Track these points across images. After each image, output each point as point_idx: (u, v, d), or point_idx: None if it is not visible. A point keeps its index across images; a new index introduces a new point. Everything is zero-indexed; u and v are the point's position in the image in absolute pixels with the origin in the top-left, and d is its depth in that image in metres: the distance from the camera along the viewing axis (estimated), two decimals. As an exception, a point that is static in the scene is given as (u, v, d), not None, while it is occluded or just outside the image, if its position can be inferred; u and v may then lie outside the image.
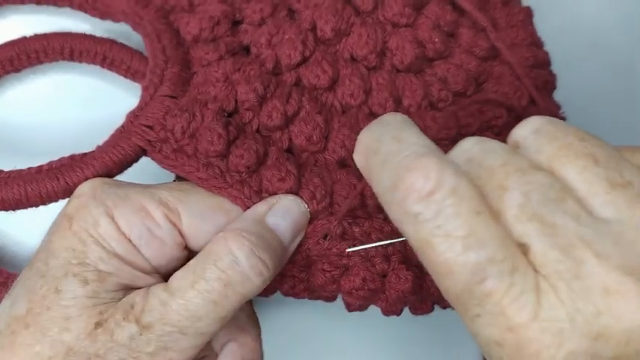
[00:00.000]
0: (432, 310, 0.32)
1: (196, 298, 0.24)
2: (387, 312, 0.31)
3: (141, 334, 0.23)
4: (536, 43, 0.36)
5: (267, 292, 0.31)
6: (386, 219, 0.30)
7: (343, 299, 0.31)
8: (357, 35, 0.32)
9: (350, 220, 0.30)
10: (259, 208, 0.28)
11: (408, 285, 0.29)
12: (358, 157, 0.23)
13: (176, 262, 0.27)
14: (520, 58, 0.35)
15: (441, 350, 0.39)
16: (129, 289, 0.25)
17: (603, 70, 0.46)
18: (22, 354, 0.23)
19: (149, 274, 0.26)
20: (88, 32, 0.34)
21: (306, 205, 0.29)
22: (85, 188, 0.26)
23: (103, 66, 0.34)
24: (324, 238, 0.29)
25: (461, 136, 0.31)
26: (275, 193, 0.28)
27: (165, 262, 0.26)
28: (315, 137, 0.30)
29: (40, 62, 0.34)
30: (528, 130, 0.22)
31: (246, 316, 0.29)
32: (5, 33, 0.35)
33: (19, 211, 0.28)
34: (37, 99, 0.37)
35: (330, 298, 0.31)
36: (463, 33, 0.34)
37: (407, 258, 0.30)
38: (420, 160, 0.19)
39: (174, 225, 0.26)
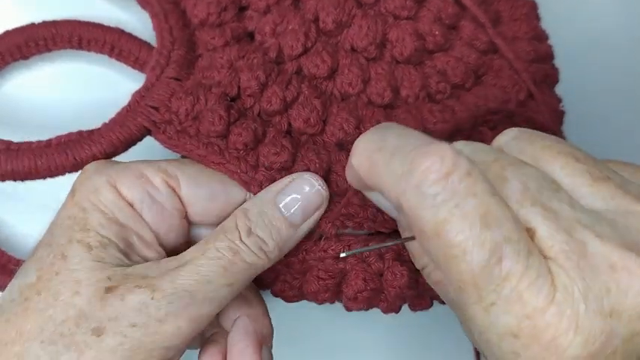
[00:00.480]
0: (430, 305, 0.34)
1: (207, 262, 0.26)
2: (386, 311, 0.33)
3: (152, 299, 0.25)
4: (539, 37, 0.37)
5: (261, 286, 0.32)
6: (379, 210, 0.30)
7: (345, 306, 0.32)
8: (357, 27, 0.33)
9: (343, 215, 0.30)
10: (274, 187, 0.29)
11: (404, 280, 0.30)
12: (358, 159, 0.24)
13: (176, 233, 0.28)
14: (521, 52, 0.35)
15: (440, 347, 0.39)
16: (130, 257, 0.27)
17: (605, 65, 0.46)
18: (35, 319, 0.24)
19: (150, 246, 0.27)
20: (97, 21, 0.35)
21: (321, 184, 0.29)
22: (89, 167, 0.28)
23: (111, 55, 0.35)
24: (320, 238, 0.31)
25: (457, 130, 0.32)
26: (271, 167, 0.29)
27: (166, 228, 0.28)
28: (312, 120, 0.31)
29: (49, 50, 0.34)
30: (509, 137, 0.24)
31: (253, 295, 0.31)
32: (12, 18, 0.35)
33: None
34: (45, 86, 0.38)
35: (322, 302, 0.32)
36: (465, 26, 0.35)
37: (399, 255, 0.31)
38: (434, 146, 0.20)
39: (173, 190, 0.28)
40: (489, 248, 0.19)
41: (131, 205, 0.27)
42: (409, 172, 0.20)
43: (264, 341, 0.29)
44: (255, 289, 0.31)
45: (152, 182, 0.28)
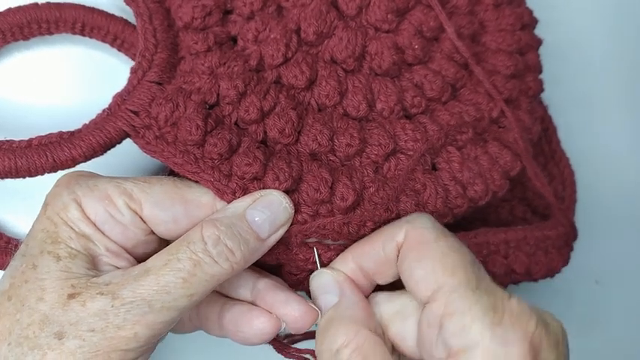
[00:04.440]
0: None
1: (167, 274, 0.27)
2: None
3: (112, 306, 0.26)
4: (526, 47, 0.37)
5: None
6: (346, 223, 0.32)
7: None
8: (338, 39, 0.34)
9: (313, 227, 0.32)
10: (243, 201, 0.30)
11: None
12: (359, 243, 0.31)
13: (145, 246, 0.30)
14: (500, 67, 0.36)
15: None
16: (99, 267, 0.29)
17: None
18: (4, 321, 0.26)
19: (118, 256, 0.29)
20: (101, 8, 0.35)
21: (289, 202, 0.31)
22: (62, 179, 0.30)
23: (112, 45, 0.35)
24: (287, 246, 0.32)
25: (428, 149, 0.33)
26: (243, 177, 0.31)
27: (131, 244, 0.30)
28: (287, 130, 0.32)
29: (50, 33, 0.34)
30: None
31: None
32: None
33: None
34: (44, 68, 0.38)
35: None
36: (446, 39, 0.35)
37: None
38: None
39: (135, 212, 0.29)
40: None
41: (94, 224, 0.29)
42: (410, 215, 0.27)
43: None
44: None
45: (115, 204, 0.29)
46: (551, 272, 0.37)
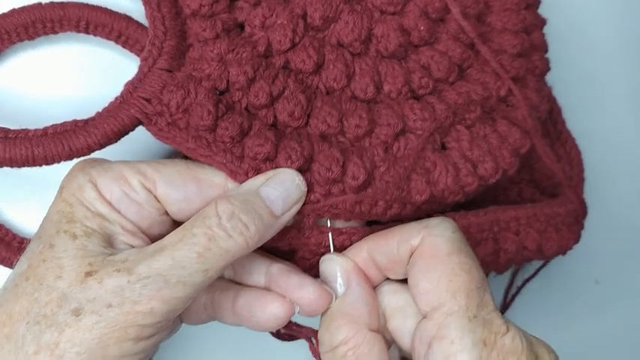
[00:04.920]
0: None
1: (182, 248, 0.28)
2: None
3: (128, 282, 0.27)
4: (531, 27, 0.37)
5: None
6: (358, 202, 0.32)
7: None
8: (344, 22, 0.34)
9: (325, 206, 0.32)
10: (257, 179, 0.31)
11: None
12: (377, 236, 0.31)
13: (159, 226, 0.31)
14: (506, 46, 0.36)
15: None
16: (115, 246, 0.29)
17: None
18: (22, 301, 0.27)
19: (134, 234, 0.30)
20: (105, 6, 0.35)
21: (301, 180, 0.31)
22: (77, 165, 0.30)
23: (117, 42, 0.35)
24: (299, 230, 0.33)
25: (436, 128, 0.34)
26: (255, 158, 0.31)
27: (147, 224, 0.30)
28: (296, 113, 0.32)
29: (55, 32, 0.35)
30: None
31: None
32: None
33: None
34: (50, 67, 0.38)
35: None
36: (451, 19, 0.36)
37: None
38: None
39: (150, 191, 0.30)
40: None
41: (110, 204, 0.29)
42: (431, 219, 0.30)
43: None
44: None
45: (130, 183, 0.30)
46: (563, 249, 0.37)
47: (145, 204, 0.30)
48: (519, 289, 0.45)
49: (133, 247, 0.29)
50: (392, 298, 0.32)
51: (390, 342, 0.32)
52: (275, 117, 0.33)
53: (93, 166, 0.30)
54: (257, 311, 0.31)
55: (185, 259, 0.27)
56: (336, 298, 0.31)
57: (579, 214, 0.38)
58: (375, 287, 0.32)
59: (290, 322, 0.34)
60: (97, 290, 0.27)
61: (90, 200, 0.29)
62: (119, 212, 0.29)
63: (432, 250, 0.29)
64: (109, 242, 0.29)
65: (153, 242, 0.29)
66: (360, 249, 0.32)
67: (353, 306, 0.30)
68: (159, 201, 0.30)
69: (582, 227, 0.38)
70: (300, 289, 0.31)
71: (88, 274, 0.27)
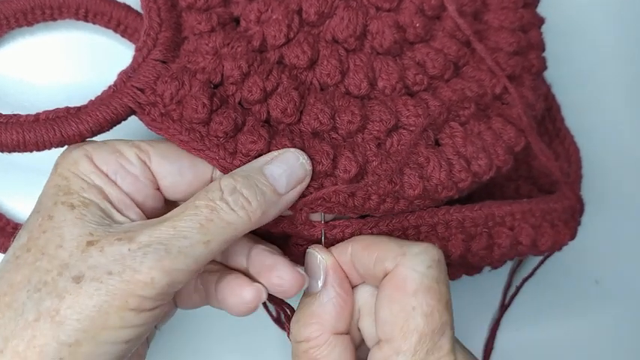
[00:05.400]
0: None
1: (184, 219, 0.28)
2: None
3: (129, 250, 0.27)
4: (528, 25, 0.37)
5: None
6: (351, 195, 0.32)
7: None
8: (339, 18, 0.34)
9: (317, 199, 0.32)
10: (261, 159, 0.31)
11: None
12: (363, 240, 0.32)
13: (153, 201, 0.31)
14: (503, 44, 0.36)
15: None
16: (114, 217, 0.29)
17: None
18: (24, 271, 0.27)
19: (130, 208, 0.30)
20: None
21: (306, 159, 0.31)
22: (72, 145, 0.30)
23: (116, 31, 0.36)
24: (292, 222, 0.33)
25: (430, 124, 0.34)
26: (247, 155, 0.31)
27: (142, 197, 0.30)
28: (289, 110, 0.32)
29: (54, 19, 0.35)
30: None
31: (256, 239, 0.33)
32: None
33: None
34: (48, 54, 0.38)
35: None
36: (447, 17, 0.36)
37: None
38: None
39: (145, 163, 0.30)
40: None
41: (106, 176, 0.29)
42: (412, 245, 0.30)
43: None
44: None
45: (125, 155, 0.30)
46: (558, 245, 0.36)
47: (140, 176, 0.30)
48: (518, 289, 0.44)
49: (129, 219, 0.29)
50: (369, 298, 0.32)
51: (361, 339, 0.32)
52: (268, 113, 0.33)
53: (87, 142, 0.30)
54: (229, 296, 0.31)
55: (187, 229, 0.27)
56: (313, 294, 0.31)
57: (575, 210, 0.38)
58: (355, 286, 0.32)
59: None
60: (98, 258, 0.27)
61: (86, 173, 0.29)
62: (115, 184, 0.29)
63: (400, 282, 0.29)
64: (107, 213, 0.29)
65: (148, 218, 0.29)
66: (345, 250, 0.32)
67: (323, 308, 0.31)
68: (152, 174, 0.30)
69: (579, 224, 0.37)
70: (272, 271, 0.31)
71: (90, 243, 0.27)
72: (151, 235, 0.27)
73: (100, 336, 0.26)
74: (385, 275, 0.30)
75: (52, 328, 0.26)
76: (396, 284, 0.29)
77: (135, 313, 0.27)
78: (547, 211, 0.36)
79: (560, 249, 0.37)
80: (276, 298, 0.33)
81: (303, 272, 0.31)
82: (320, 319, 0.30)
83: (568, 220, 0.37)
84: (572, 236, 0.37)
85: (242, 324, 0.41)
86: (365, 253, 0.31)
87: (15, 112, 0.30)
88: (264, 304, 0.40)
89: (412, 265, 0.29)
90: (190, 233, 0.27)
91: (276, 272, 0.30)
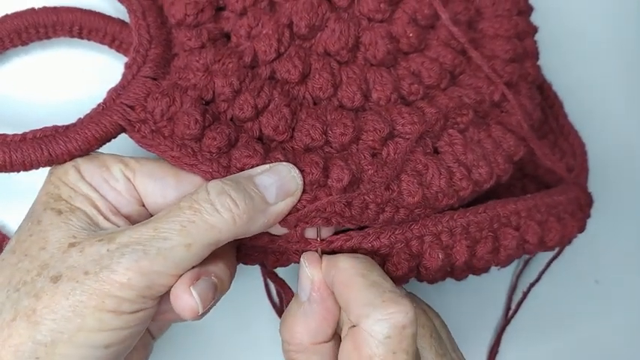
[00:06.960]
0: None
1: (166, 221, 0.27)
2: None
3: (107, 250, 0.27)
4: (522, 33, 0.37)
5: (254, 260, 0.34)
6: (348, 205, 0.31)
7: None
8: (330, 31, 0.34)
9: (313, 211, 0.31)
10: (251, 171, 0.30)
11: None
12: (343, 271, 0.30)
13: (138, 217, 0.30)
14: (499, 51, 0.35)
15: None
16: (101, 225, 0.29)
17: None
18: (6, 272, 0.27)
19: (116, 215, 0.30)
20: (97, 9, 0.35)
21: (297, 173, 0.30)
22: None
23: (111, 47, 0.35)
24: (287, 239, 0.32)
25: (426, 132, 0.33)
26: (242, 169, 0.30)
27: (127, 211, 0.30)
28: (281, 127, 0.31)
29: (48, 38, 0.35)
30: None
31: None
32: (12, 1, 0.35)
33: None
34: (44, 72, 0.38)
35: None
36: (442, 26, 0.35)
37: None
38: (405, 300, 0.28)
39: (129, 180, 0.30)
40: None
41: (91, 185, 0.29)
42: (379, 305, 0.27)
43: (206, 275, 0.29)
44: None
45: (110, 171, 0.30)
46: (566, 239, 0.35)
47: (123, 192, 0.30)
48: (525, 294, 0.44)
49: (118, 227, 0.29)
50: None
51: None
52: (260, 130, 0.32)
53: (80, 156, 0.30)
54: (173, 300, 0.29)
55: (168, 231, 0.27)
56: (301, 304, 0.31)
57: (582, 201, 0.37)
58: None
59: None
60: (78, 258, 0.26)
61: (73, 182, 0.29)
62: (101, 196, 0.29)
63: (357, 342, 0.28)
64: (93, 220, 0.29)
65: None
66: (335, 266, 0.31)
67: (305, 318, 0.31)
68: (137, 191, 0.30)
69: (589, 216, 0.37)
70: (174, 297, 0.28)
71: (72, 245, 0.27)
72: (131, 235, 0.27)
73: (76, 337, 0.26)
74: (351, 326, 0.29)
75: (28, 328, 0.25)
76: (354, 342, 0.28)
77: (113, 315, 0.26)
78: (552, 205, 0.35)
79: (569, 242, 0.36)
80: (279, 279, 0.34)
81: (197, 308, 0.28)
82: (300, 328, 0.31)
83: (575, 212, 0.36)
84: (581, 229, 0.36)
85: (242, 324, 0.41)
86: (343, 290, 0.30)
87: (14, 133, 0.30)
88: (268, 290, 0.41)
89: (372, 331, 0.27)
90: (171, 235, 0.27)
91: (176, 300, 0.28)
